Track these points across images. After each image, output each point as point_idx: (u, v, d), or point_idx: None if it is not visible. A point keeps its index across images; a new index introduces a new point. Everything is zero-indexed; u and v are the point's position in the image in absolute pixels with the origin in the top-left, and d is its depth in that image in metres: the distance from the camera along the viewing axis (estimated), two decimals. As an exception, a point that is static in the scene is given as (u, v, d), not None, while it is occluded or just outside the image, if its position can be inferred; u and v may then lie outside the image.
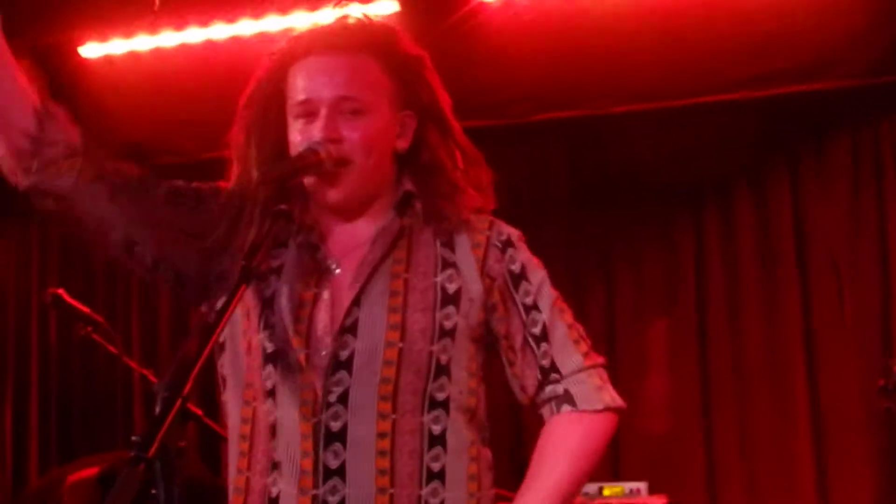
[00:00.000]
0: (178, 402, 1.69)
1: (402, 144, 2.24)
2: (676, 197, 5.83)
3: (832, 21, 5.26)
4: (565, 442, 2.19)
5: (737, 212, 5.74)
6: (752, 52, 5.37)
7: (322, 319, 2.16)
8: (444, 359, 2.16)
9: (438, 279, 2.19)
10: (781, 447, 5.54)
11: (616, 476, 5.50)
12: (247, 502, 2.22)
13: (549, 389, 2.22)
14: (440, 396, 2.16)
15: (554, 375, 2.21)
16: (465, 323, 2.18)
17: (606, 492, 4.89)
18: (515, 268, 2.24)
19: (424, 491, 2.12)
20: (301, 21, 5.74)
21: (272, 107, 2.26)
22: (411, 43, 2.30)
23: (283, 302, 2.17)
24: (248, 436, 2.23)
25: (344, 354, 2.13)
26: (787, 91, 5.38)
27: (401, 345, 2.13)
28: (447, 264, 2.21)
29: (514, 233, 2.29)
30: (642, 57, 5.47)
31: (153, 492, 1.67)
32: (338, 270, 2.21)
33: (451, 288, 2.19)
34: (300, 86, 2.21)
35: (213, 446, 5.99)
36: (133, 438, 1.63)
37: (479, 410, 2.23)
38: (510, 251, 2.25)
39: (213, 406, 5.96)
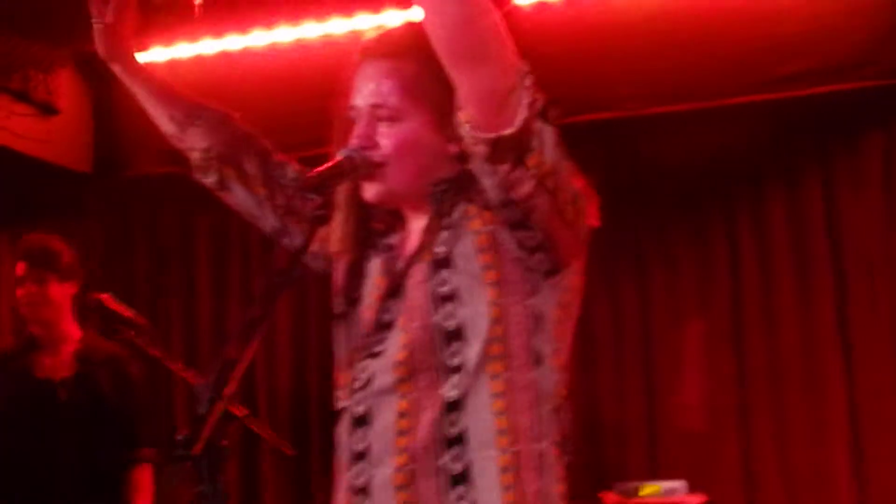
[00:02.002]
0: (222, 402, 1.76)
1: (454, 150, 2.20)
2: (709, 197, 5.84)
3: (862, 21, 5.28)
4: None
5: (770, 211, 5.74)
6: (783, 52, 5.39)
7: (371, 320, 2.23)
8: (450, 325, 2.14)
9: (435, 248, 2.19)
10: (818, 445, 5.54)
11: (653, 475, 5.52)
12: None
13: None
14: (455, 362, 2.13)
15: None
16: (468, 278, 2.13)
17: (643, 491, 4.92)
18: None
19: (445, 459, 2.10)
20: (338, 27, 5.81)
21: (346, 112, 2.31)
22: None
23: (357, 306, 2.27)
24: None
25: (379, 349, 2.19)
26: (819, 91, 5.39)
27: (408, 325, 2.16)
28: (442, 228, 2.20)
29: None
30: (674, 58, 5.49)
31: (199, 489, 1.73)
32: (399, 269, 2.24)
33: (442, 251, 2.18)
34: (353, 90, 2.26)
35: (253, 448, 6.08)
36: (178, 437, 1.69)
37: (511, 354, 2.14)
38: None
39: (253, 407, 6.07)
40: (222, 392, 1.78)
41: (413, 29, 2.26)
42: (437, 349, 2.13)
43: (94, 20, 2.43)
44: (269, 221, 2.50)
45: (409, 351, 2.14)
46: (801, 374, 5.60)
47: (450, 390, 2.12)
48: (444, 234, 2.18)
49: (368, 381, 2.18)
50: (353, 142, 2.22)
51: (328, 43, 5.84)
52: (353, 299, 2.28)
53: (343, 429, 2.22)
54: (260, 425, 4.27)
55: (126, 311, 4.20)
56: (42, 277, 4.39)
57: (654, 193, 5.88)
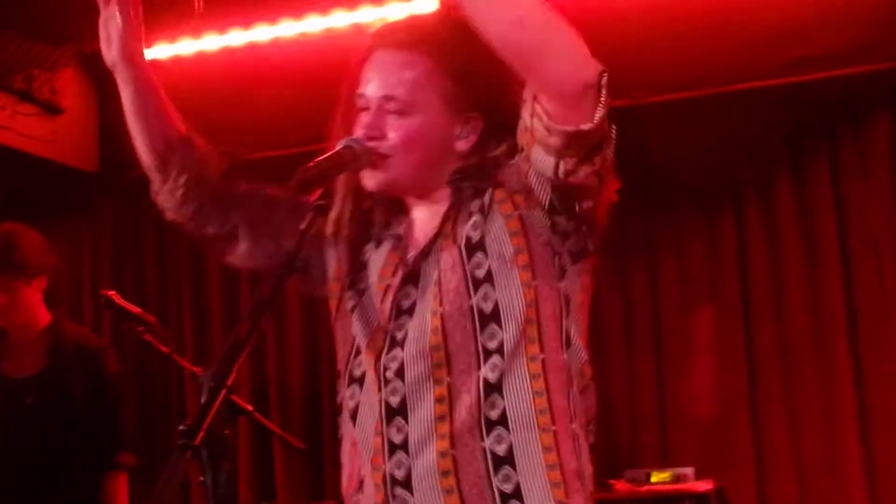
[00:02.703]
0: (224, 392, 1.76)
1: (464, 146, 2.23)
2: (718, 183, 5.83)
3: (869, 5, 5.26)
4: None
5: (778, 196, 5.74)
6: (790, 37, 5.38)
7: (388, 307, 2.21)
8: (487, 307, 2.13)
9: (465, 230, 2.18)
10: (828, 429, 5.54)
11: (664, 461, 5.53)
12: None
13: None
14: (492, 345, 2.12)
15: None
16: (501, 261, 2.14)
17: (654, 478, 4.92)
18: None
19: (488, 442, 2.10)
20: (341, 21, 5.81)
21: (353, 99, 2.29)
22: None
23: (366, 298, 2.25)
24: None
25: (399, 334, 2.18)
26: (826, 76, 5.38)
27: (441, 309, 2.14)
28: (471, 214, 2.19)
29: None
30: (681, 45, 5.49)
31: (201, 479, 1.74)
32: (411, 256, 2.24)
33: (475, 236, 2.17)
34: (361, 79, 2.24)
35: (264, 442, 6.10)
36: (180, 427, 1.70)
37: (545, 337, 2.15)
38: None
39: (265, 402, 6.08)
40: (224, 382, 1.78)
41: (428, 21, 2.29)
42: (474, 332, 2.13)
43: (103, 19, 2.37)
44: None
45: (442, 335, 2.13)
46: (811, 360, 5.60)
47: (488, 372, 2.11)
48: (476, 218, 2.18)
49: (400, 370, 2.16)
50: (360, 132, 2.21)
51: (331, 36, 5.83)
52: (360, 290, 2.28)
53: (367, 421, 2.20)
54: (269, 421, 4.28)
55: (134, 308, 4.20)
56: (10, 286, 4.17)
57: (663, 180, 5.87)
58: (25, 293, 4.22)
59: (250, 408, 3.92)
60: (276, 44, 5.96)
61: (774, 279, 5.71)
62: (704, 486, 4.67)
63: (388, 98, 2.20)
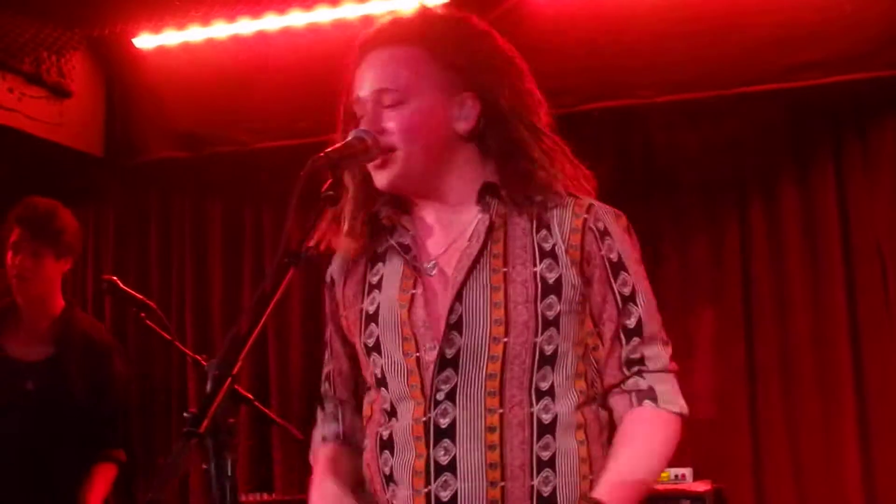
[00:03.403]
0: (229, 380, 1.76)
1: (464, 126, 2.25)
2: (722, 186, 5.83)
3: (875, 11, 5.26)
4: (652, 437, 2.22)
5: (782, 200, 5.73)
6: (797, 41, 5.38)
7: (420, 317, 2.22)
8: (548, 349, 2.18)
9: (538, 269, 2.20)
10: (827, 434, 5.53)
11: (662, 462, 5.52)
12: None
13: (631, 382, 2.23)
14: (544, 386, 2.18)
15: (640, 368, 2.22)
16: (569, 308, 2.20)
17: (652, 478, 4.91)
18: (613, 256, 2.24)
19: (536, 481, 2.15)
20: (351, 11, 5.81)
21: (351, 110, 2.32)
22: (473, 26, 2.32)
23: (385, 313, 2.26)
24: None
25: (450, 352, 2.18)
26: (831, 80, 5.37)
27: (506, 339, 2.16)
28: (545, 253, 2.21)
29: (612, 219, 2.29)
30: (687, 47, 5.49)
31: (205, 467, 1.73)
32: (434, 271, 2.26)
33: (551, 277, 2.19)
34: (356, 83, 2.28)
35: (263, 431, 6.09)
36: (185, 414, 1.70)
37: (587, 386, 2.24)
38: (608, 240, 2.24)
39: (265, 390, 6.08)
40: (230, 370, 1.78)
41: (410, 16, 2.31)
42: (531, 369, 2.17)
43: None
44: None
45: (502, 365, 2.16)
46: (811, 363, 5.60)
47: (541, 412, 2.17)
48: (548, 261, 2.21)
49: (452, 392, 2.17)
50: (362, 128, 2.23)
51: (341, 27, 5.84)
52: (375, 312, 2.29)
53: (408, 435, 2.21)
54: (269, 410, 4.28)
55: (136, 294, 4.20)
56: (38, 251, 4.18)
57: (666, 181, 5.87)
58: (51, 266, 4.23)
59: (251, 396, 3.93)
60: (285, 33, 5.96)
61: (777, 282, 5.71)
62: (702, 486, 4.67)
63: (382, 91, 2.23)
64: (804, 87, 5.42)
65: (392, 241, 2.30)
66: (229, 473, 1.73)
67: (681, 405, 2.23)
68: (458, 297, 2.19)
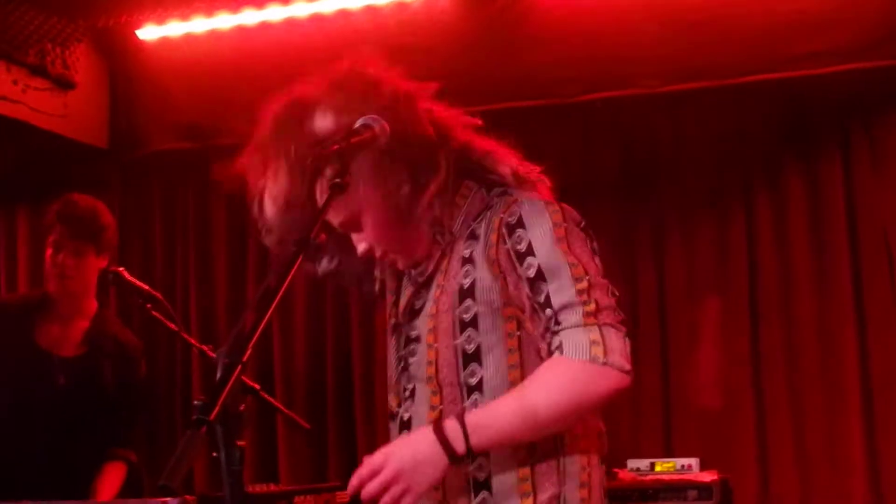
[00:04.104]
0: (239, 368, 1.76)
1: (405, 190, 2.34)
2: (727, 175, 5.82)
3: (881, 1, 5.26)
4: (538, 377, 2.25)
5: (788, 190, 5.72)
6: (802, 30, 5.37)
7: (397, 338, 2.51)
8: (469, 348, 2.33)
9: (458, 277, 2.36)
10: (832, 423, 5.53)
11: (668, 452, 5.53)
12: None
13: (551, 343, 2.26)
14: (472, 381, 2.33)
15: (555, 329, 2.25)
16: (489, 308, 2.32)
17: (658, 468, 4.92)
18: (521, 247, 2.30)
19: (472, 468, 2.32)
20: (355, 1, 5.80)
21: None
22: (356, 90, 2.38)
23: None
24: None
25: (411, 360, 2.43)
26: (838, 70, 5.37)
27: (436, 345, 2.37)
28: (465, 261, 2.36)
29: (530, 210, 2.33)
30: (692, 36, 5.48)
31: (214, 454, 1.73)
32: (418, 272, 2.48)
33: (467, 282, 2.34)
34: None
35: (269, 421, 6.10)
36: (195, 402, 1.69)
37: (528, 365, 2.33)
38: (518, 231, 2.30)
39: (270, 381, 6.08)
40: (240, 358, 1.77)
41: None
42: (457, 368, 2.35)
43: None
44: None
45: (435, 367, 2.37)
46: (817, 352, 5.59)
47: (472, 406, 2.32)
48: (466, 268, 2.36)
49: (412, 392, 2.42)
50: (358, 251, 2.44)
51: (344, 16, 5.83)
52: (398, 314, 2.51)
53: (395, 431, 2.47)
54: (275, 400, 4.28)
55: (142, 285, 4.20)
56: (81, 250, 4.20)
57: (671, 170, 5.87)
58: (91, 264, 4.25)
59: (257, 386, 3.93)
60: (289, 23, 5.96)
61: (782, 272, 5.70)
62: (708, 476, 4.67)
63: (342, 225, 2.40)
64: (810, 76, 5.42)
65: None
66: (239, 461, 1.73)
67: (593, 354, 2.21)
68: (418, 314, 2.42)
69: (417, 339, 2.41)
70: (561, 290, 2.25)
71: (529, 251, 2.28)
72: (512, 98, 5.67)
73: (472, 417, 2.22)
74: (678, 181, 5.87)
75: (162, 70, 6.27)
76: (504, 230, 2.31)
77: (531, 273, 2.27)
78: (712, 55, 5.51)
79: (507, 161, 2.44)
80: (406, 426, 2.40)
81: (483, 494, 2.31)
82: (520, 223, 2.31)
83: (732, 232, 5.79)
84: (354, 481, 2.22)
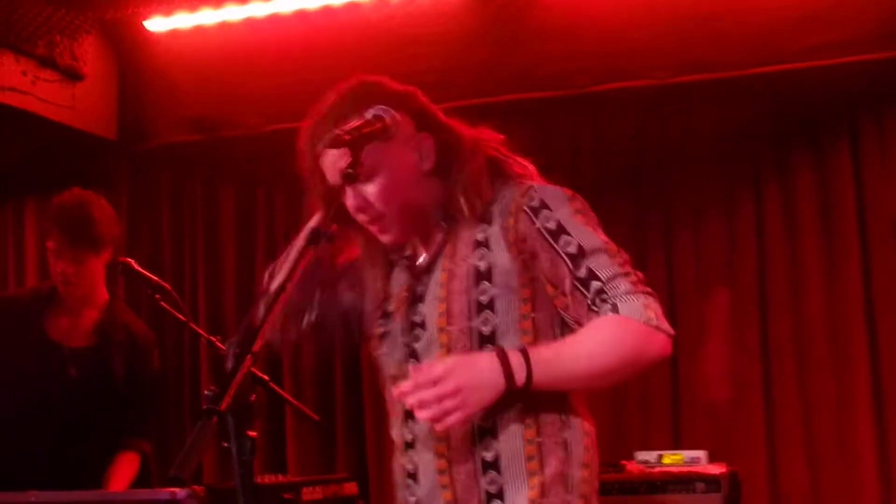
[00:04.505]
0: (249, 359, 1.76)
1: (427, 165, 2.42)
2: (737, 166, 5.81)
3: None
4: (597, 329, 2.28)
5: (797, 181, 5.71)
6: (811, 22, 5.36)
7: (398, 324, 2.48)
8: (486, 330, 2.34)
9: (472, 260, 2.37)
10: (842, 415, 5.52)
11: (676, 445, 5.53)
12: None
13: (601, 310, 2.30)
14: None
15: (603, 297, 2.29)
16: (506, 290, 2.34)
17: (666, 460, 4.91)
18: (551, 225, 2.34)
19: (478, 447, 2.34)
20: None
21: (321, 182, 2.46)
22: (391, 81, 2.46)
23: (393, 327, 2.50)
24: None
25: (417, 345, 2.42)
26: (847, 61, 5.35)
27: (449, 328, 2.36)
28: (479, 244, 2.38)
29: (551, 194, 2.39)
30: (702, 28, 5.47)
31: (225, 445, 1.73)
32: (421, 260, 2.48)
33: (482, 265, 2.36)
34: (325, 173, 2.43)
35: (277, 413, 6.10)
36: (206, 392, 1.70)
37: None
38: (543, 212, 2.35)
39: (278, 373, 6.08)
40: (250, 348, 1.77)
41: (347, 93, 2.42)
42: (471, 351, 2.34)
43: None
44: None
45: (447, 350, 2.36)
46: (826, 344, 5.58)
47: None
48: (481, 251, 2.38)
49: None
50: (351, 212, 2.40)
51: (352, 8, 5.83)
52: (388, 313, 2.51)
53: (396, 422, 2.47)
54: (284, 392, 4.28)
55: (151, 276, 4.20)
56: (80, 258, 4.19)
57: (681, 162, 5.86)
58: (93, 265, 4.25)
59: (266, 377, 3.93)
60: (297, 15, 5.95)
61: (791, 263, 5.69)
62: (717, 469, 4.66)
63: (350, 176, 2.30)
64: (819, 67, 5.40)
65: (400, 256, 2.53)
66: (250, 452, 1.73)
67: (647, 316, 2.27)
68: (422, 298, 2.43)
69: (423, 325, 2.41)
70: (604, 265, 2.31)
71: (562, 230, 2.33)
72: (521, 90, 5.66)
73: (535, 354, 2.25)
74: (687, 173, 5.86)
75: (170, 62, 6.28)
76: (527, 212, 2.35)
77: (571, 249, 2.32)
78: (722, 47, 5.50)
79: (513, 156, 2.50)
80: (411, 415, 2.34)
81: (491, 475, 2.33)
82: (543, 205, 2.36)
83: (741, 223, 5.78)
84: (408, 387, 2.21)
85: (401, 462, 2.45)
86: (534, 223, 2.34)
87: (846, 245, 5.58)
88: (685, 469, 4.75)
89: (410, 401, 2.22)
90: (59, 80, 5.99)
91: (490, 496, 2.33)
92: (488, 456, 2.33)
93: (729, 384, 5.68)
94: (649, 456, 4.90)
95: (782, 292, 5.68)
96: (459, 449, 2.34)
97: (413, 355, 2.41)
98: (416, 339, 2.41)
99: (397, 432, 2.47)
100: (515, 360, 2.22)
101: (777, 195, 5.74)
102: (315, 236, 2.03)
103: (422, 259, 2.47)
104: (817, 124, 5.72)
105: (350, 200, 2.38)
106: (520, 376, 2.21)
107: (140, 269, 4.14)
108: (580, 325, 2.33)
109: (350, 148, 2.22)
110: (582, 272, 2.30)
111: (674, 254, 5.87)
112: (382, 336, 2.50)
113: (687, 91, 5.68)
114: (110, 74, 6.40)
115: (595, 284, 2.29)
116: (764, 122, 5.75)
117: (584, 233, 2.34)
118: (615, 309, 2.27)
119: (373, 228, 2.43)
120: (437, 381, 2.19)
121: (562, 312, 2.36)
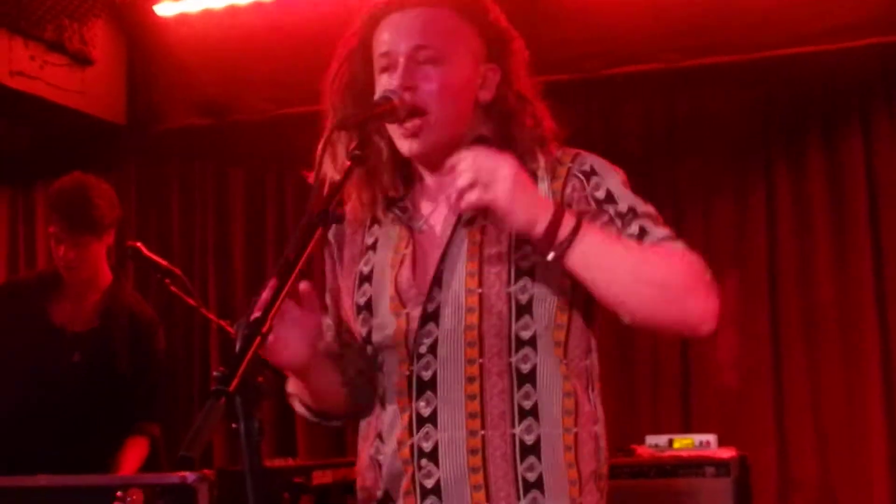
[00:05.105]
0: (258, 340, 1.75)
1: (486, 96, 2.25)
2: (748, 151, 5.80)
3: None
4: (660, 244, 2.15)
5: (808, 165, 5.70)
6: (822, 5, 5.37)
7: (406, 277, 2.23)
8: (523, 298, 2.16)
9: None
10: (851, 401, 5.52)
11: (687, 429, 5.52)
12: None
13: None
14: (525, 335, 2.17)
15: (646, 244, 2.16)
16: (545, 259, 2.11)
17: (677, 444, 4.91)
18: (601, 193, 2.20)
19: (518, 429, 2.15)
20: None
21: (361, 66, 2.29)
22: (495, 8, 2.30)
23: (378, 274, 2.27)
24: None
25: (431, 307, 2.19)
26: (859, 44, 5.33)
27: (480, 290, 2.16)
28: None
29: (599, 161, 2.26)
30: (713, 10, 5.46)
31: (234, 426, 1.72)
32: (424, 227, 2.27)
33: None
34: (382, 40, 2.23)
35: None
36: (214, 373, 1.69)
37: (571, 343, 2.21)
38: (594, 178, 2.21)
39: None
40: (259, 329, 1.77)
41: None
42: (508, 318, 2.16)
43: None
44: None
45: (478, 316, 2.16)
46: (836, 332, 5.57)
47: (520, 363, 2.17)
48: None
49: (434, 346, 2.18)
50: (394, 82, 2.18)
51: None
52: (369, 274, 2.29)
53: (394, 391, 2.22)
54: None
55: (161, 261, 4.20)
56: (81, 242, 4.16)
57: (691, 146, 5.85)
58: (94, 248, 4.22)
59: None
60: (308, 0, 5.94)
61: (802, 249, 5.68)
62: (726, 453, 4.66)
63: (420, 48, 2.19)
64: (831, 51, 5.39)
65: (387, 202, 2.32)
66: (258, 433, 1.72)
67: (708, 272, 2.17)
68: (444, 254, 2.21)
69: (440, 283, 2.19)
70: (655, 228, 2.17)
71: (611, 198, 2.19)
72: (534, 72, 5.64)
73: (588, 226, 2.07)
74: (698, 157, 5.85)
75: (179, 46, 6.27)
76: (579, 176, 2.20)
77: (622, 208, 2.17)
78: (733, 30, 5.48)
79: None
80: (429, 385, 2.17)
81: (531, 459, 2.16)
82: (594, 171, 2.21)
83: (752, 208, 5.77)
84: (464, 153, 2.06)
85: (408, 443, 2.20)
86: (584, 188, 2.19)
87: (857, 230, 5.56)
88: (695, 453, 4.75)
89: (456, 160, 2.05)
90: (67, 64, 5.99)
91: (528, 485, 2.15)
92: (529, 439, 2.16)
93: (739, 369, 5.67)
94: (659, 440, 4.90)
95: (793, 277, 5.66)
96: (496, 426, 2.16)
97: (426, 315, 2.18)
98: (432, 298, 2.19)
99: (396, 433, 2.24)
100: (568, 219, 2.05)
101: (788, 180, 5.72)
102: (323, 217, 1.99)
103: (402, 208, 2.28)
104: (829, 108, 5.70)
105: (399, 78, 2.17)
106: (563, 233, 2.03)
107: (149, 254, 4.15)
108: None
109: (357, 129, 2.14)
110: (633, 229, 2.15)
111: (683, 239, 5.84)
112: (367, 305, 2.27)
113: (697, 74, 5.67)
114: (119, 59, 6.40)
115: (649, 238, 2.15)
116: (775, 105, 5.73)
117: (635, 200, 2.20)
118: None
119: (407, 125, 2.19)
120: (492, 155, 2.05)
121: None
